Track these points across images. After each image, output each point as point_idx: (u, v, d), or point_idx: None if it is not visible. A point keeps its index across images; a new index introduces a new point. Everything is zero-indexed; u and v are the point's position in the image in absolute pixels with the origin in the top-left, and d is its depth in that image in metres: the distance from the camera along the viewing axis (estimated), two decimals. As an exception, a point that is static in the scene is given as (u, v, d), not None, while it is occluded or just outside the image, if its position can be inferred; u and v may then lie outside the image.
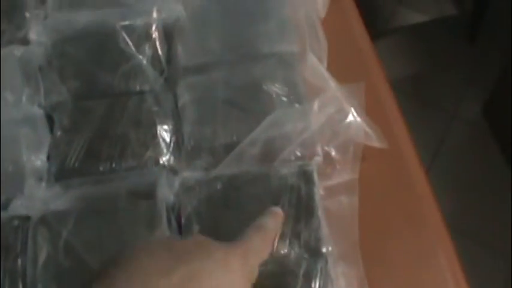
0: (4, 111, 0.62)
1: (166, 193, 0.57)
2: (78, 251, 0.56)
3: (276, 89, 0.60)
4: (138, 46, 0.63)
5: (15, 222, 0.58)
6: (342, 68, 0.65)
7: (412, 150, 0.63)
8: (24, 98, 0.62)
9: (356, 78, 0.63)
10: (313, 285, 0.53)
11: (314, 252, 0.55)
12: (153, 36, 0.63)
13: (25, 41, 0.66)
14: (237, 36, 0.63)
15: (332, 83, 0.59)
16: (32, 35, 0.66)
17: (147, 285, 0.36)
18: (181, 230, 0.56)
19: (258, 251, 0.43)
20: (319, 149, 0.59)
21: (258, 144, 0.58)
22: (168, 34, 0.64)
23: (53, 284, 0.55)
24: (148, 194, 0.58)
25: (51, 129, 0.61)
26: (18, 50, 0.64)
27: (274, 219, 0.46)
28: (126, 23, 0.64)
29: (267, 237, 0.44)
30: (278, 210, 0.47)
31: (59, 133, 0.60)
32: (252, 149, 0.58)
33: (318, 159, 0.59)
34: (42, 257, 0.56)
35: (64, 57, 0.64)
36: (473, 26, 1.76)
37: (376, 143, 0.60)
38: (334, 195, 0.58)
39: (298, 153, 0.59)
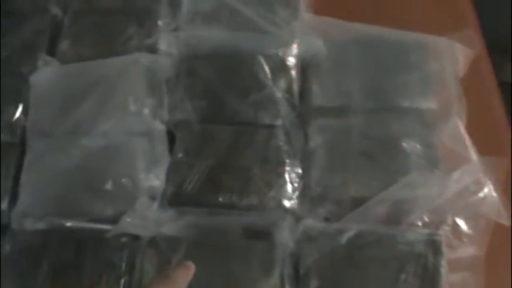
0: (124, 120, 0.60)
1: (286, 239, 0.55)
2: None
3: (413, 147, 0.59)
4: (273, 76, 0.62)
5: (123, 240, 0.57)
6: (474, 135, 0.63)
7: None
8: (146, 110, 0.60)
9: (488, 149, 0.61)
10: None
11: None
12: (290, 68, 0.61)
13: (153, 50, 0.65)
14: (376, 84, 0.62)
15: (473, 152, 0.57)
16: (162, 45, 0.64)
17: None
18: (298, 280, 0.53)
19: None
20: (448, 219, 0.57)
21: (387, 204, 0.57)
22: (304, 69, 0.62)
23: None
24: (266, 235, 0.56)
25: (171, 147, 0.59)
26: (146, 59, 0.62)
27: (184, 272, 0.44)
28: (264, 49, 0.63)
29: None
30: (191, 264, 0.44)
31: (180, 154, 0.59)
32: (380, 208, 0.57)
33: (446, 228, 0.57)
34: (145, 282, 0.54)
35: (193, 74, 0.63)
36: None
37: (505, 221, 0.58)
38: (458, 269, 0.56)
39: (426, 219, 0.58)
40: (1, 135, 0.64)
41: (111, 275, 0.56)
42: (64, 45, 0.68)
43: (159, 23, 0.66)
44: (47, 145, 0.61)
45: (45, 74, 0.65)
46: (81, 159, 0.60)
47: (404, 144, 0.59)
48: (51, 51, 0.68)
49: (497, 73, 0.69)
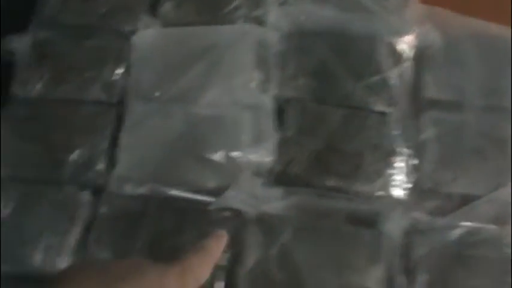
0: (231, 92, 0.59)
1: (394, 229, 0.54)
2: (291, 264, 0.53)
3: (526, 150, 0.57)
4: (388, 62, 0.60)
5: (226, 214, 0.56)
6: None
7: None
8: (253, 83, 0.59)
9: None
10: None
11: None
12: (405, 57, 0.61)
13: (260, 22, 0.64)
14: (490, 83, 0.61)
15: None
16: (270, 18, 0.63)
17: None
18: (406, 273, 0.53)
19: (196, 272, 0.41)
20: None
21: (496, 204, 0.56)
22: (418, 59, 0.61)
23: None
24: (371, 223, 0.56)
25: (278, 124, 0.58)
26: (255, 31, 0.61)
27: (217, 242, 0.45)
28: (379, 34, 0.61)
29: (206, 259, 0.43)
30: (223, 233, 0.45)
31: (291, 132, 0.57)
32: (489, 207, 0.56)
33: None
34: (250, 260, 0.54)
35: (305, 50, 0.62)
36: None
37: None
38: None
39: (533, 224, 0.57)
40: (100, 94, 0.62)
41: (213, 249, 0.55)
42: (166, 7, 0.66)
43: (269, -5, 0.65)
44: (149, 109, 0.60)
45: (149, 35, 0.64)
46: (186, 126, 0.59)
47: (517, 146, 0.59)
48: (152, 13, 0.66)
49: None
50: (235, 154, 0.57)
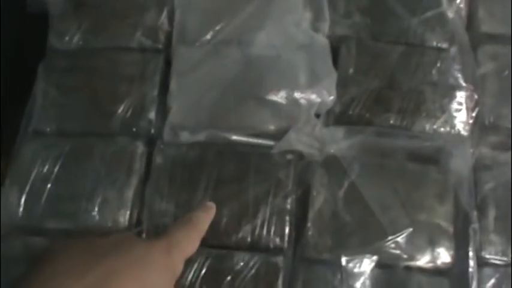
0: (283, 31, 0.58)
1: (459, 165, 0.54)
2: (360, 203, 0.53)
3: None
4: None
5: (289, 157, 0.55)
6: None
7: None
8: (305, 23, 0.58)
9: None
10: None
11: None
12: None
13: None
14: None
15: None
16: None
17: (72, 280, 0.37)
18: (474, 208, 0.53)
19: (182, 246, 0.42)
20: None
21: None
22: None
23: (327, 235, 0.52)
24: (435, 161, 0.55)
25: (335, 63, 0.57)
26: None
27: (205, 214, 0.46)
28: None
29: (193, 232, 0.44)
30: (211, 205, 0.45)
31: (350, 71, 0.56)
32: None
33: None
34: (317, 202, 0.53)
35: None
36: None
37: None
38: None
39: None
40: (144, 41, 0.60)
41: (278, 192, 0.54)
42: None
43: None
44: (199, 53, 0.59)
45: (191, -23, 0.62)
46: (242, 68, 0.58)
47: None
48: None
49: None
50: (295, 94, 0.56)
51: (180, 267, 0.42)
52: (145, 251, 0.40)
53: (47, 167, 0.57)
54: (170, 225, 0.44)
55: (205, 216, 0.46)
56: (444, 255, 0.53)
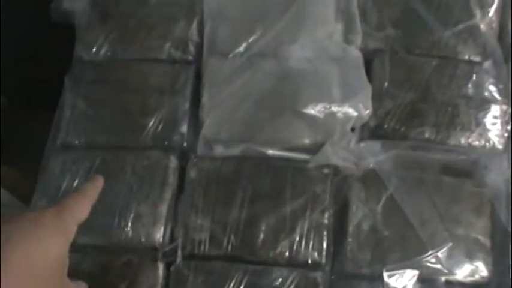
0: (316, 45, 0.58)
1: (495, 179, 0.55)
2: (399, 217, 0.54)
3: None
4: (475, 8, 0.60)
5: (325, 171, 0.55)
6: None
7: None
8: (336, 35, 0.58)
9: None
10: None
11: None
12: (493, 3, 0.60)
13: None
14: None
15: None
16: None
17: None
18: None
19: (73, 210, 0.45)
20: None
21: None
22: (502, 5, 0.61)
23: (366, 250, 0.53)
24: (470, 174, 0.56)
25: (368, 76, 0.58)
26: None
27: (93, 184, 0.48)
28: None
29: (83, 200, 0.46)
30: (99, 177, 0.48)
31: (385, 84, 0.57)
32: None
33: None
34: (356, 217, 0.54)
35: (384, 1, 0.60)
36: None
37: None
38: None
39: None
40: (173, 52, 0.60)
41: (315, 207, 0.55)
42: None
43: None
44: (232, 65, 0.59)
45: (220, -13, 0.62)
46: (276, 81, 0.58)
47: None
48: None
49: None
50: (332, 108, 0.56)
51: (72, 229, 0.44)
52: (35, 215, 0.42)
53: (77, 180, 0.57)
54: (65, 198, 0.46)
55: (94, 185, 0.48)
56: (482, 269, 0.54)
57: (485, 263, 0.54)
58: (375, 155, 0.56)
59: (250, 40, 0.59)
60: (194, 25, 0.61)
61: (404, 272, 0.52)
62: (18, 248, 0.40)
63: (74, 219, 0.44)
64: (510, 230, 0.54)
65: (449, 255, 0.53)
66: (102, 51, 0.62)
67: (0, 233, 0.40)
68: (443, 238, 0.53)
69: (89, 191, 0.47)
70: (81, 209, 0.45)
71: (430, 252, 0.53)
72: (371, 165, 0.56)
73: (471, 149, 0.57)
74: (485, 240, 0.54)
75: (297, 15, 0.59)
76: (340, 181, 0.56)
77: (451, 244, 0.53)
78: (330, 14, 0.61)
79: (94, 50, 0.62)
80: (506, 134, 0.58)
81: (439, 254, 0.53)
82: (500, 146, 0.57)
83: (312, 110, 0.56)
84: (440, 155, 0.57)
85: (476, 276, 0.54)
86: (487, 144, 0.57)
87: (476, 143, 0.57)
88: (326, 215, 0.54)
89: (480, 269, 0.54)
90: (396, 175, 0.55)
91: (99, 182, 0.48)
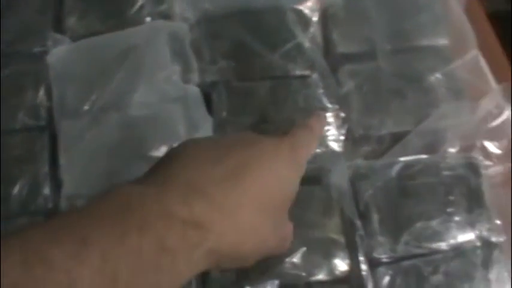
0: (156, 88, 0.64)
1: (339, 179, 0.62)
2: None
3: (438, 82, 0.67)
4: (298, 27, 0.67)
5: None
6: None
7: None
8: (175, 76, 0.65)
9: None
10: (490, 274, 0.60)
11: (488, 242, 0.61)
12: (312, 20, 0.67)
13: (167, 16, 0.69)
14: (393, 27, 0.69)
15: (492, 80, 0.67)
16: (176, 10, 0.68)
17: (203, 172, 0.40)
18: (359, 216, 0.61)
19: (305, 145, 0.47)
20: (477, 143, 0.66)
21: (425, 135, 0.64)
22: (324, 19, 0.69)
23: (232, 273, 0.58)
24: (319, 180, 0.63)
25: (209, 109, 0.64)
26: (166, 25, 0.67)
27: (319, 120, 0.52)
28: (283, 4, 0.68)
29: (313, 134, 0.49)
30: (322, 113, 0.53)
31: (223, 114, 0.63)
32: (419, 139, 0.64)
33: (477, 152, 0.66)
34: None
35: (217, 35, 0.67)
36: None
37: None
38: (493, 186, 0.65)
39: (458, 146, 0.66)
40: (27, 120, 0.66)
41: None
42: (71, 21, 0.69)
43: (169, -12, 0.70)
44: (81, 123, 0.64)
45: (62, 52, 0.67)
46: (123, 131, 0.63)
47: (430, 79, 0.67)
48: (58, 30, 0.70)
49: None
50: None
51: (304, 165, 0.46)
52: (273, 145, 0.43)
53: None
54: (292, 130, 0.47)
55: (320, 121, 0.50)
56: (341, 265, 0.60)
57: (342, 259, 0.60)
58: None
59: (93, 97, 0.64)
60: (42, 91, 0.66)
61: (266, 284, 0.58)
62: (257, 177, 0.41)
63: (306, 154, 0.46)
64: (356, 222, 0.60)
65: (306, 259, 0.59)
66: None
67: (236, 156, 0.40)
68: (297, 244, 0.59)
69: (316, 126, 0.49)
70: (311, 143, 0.47)
71: (286, 260, 0.58)
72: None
73: (314, 157, 0.64)
74: (339, 237, 0.60)
75: (134, 65, 0.65)
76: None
77: (305, 248, 0.59)
78: (166, 58, 0.67)
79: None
80: (342, 137, 0.65)
81: (295, 260, 0.58)
82: (338, 149, 0.64)
83: (158, 152, 0.62)
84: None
85: (336, 273, 0.59)
86: (327, 149, 0.64)
87: (318, 150, 0.64)
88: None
89: (338, 265, 0.59)
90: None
91: (324, 117, 0.51)
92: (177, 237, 0.37)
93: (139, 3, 0.69)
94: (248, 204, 0.40)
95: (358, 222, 0.60)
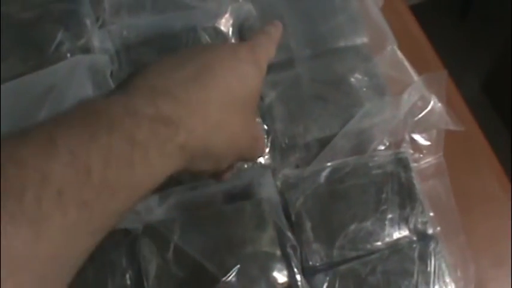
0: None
1: (269, 192, 0.63)
2: (189, 258, 0.61)
3: (359, 81, 0.68)
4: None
5: (116, 237, 0.62)
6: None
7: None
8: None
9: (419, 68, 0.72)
10: (429, 267, 0.61)
11: (423, 235, 0.63)
12: (227, 37, 0.69)
13: (87, 49, 0.70)
14: (310, 32, 0.70)
15: (413, 73, 0.68)
16: (95, 43, 0.69)
17: (167, 76, 0.42)
18: (292, 226, 0.62)
19: (264, 47, 0.49)
20: (406, 136, 0.67)
21: (351, 137, 0.66)
22: (240, 33, 0.70)
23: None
24: (249, 195, 0.64)
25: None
26: (85, 59, 0.68)
27: (276, 26, 0.54)
28: (199, 24, 0.69)
29: (271, 39, 0.51)
30: (278, 22, 0.54)
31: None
32: (345, 142, 0.66)
33: (406, 145, 0.67)
34: (152, 269, 0.61)
35: (136, 62, 0.68)
36: (463, 1, 1.90)
37: (453, 126, 0.69)
38: (426, 178, 0.67)
39: (387, 142, 0.67)
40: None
41: (116, 274, 0.62)
42: (-10, 67, 0.71)
43: (86, 22, 0.71)
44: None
45: (-15, 98, 0.69)
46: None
47: (351, 80, 0.69)
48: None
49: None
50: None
51: (264, 66, 0.48)
52: (232, 48, 0.46)
53: None
54: (254, 38, 0.50)
55: (276, 28, 0.52)
56: (279, 277, 0.61)
57: (280, 271, 0.61)
58: (157, 208, 0.64)
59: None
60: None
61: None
62: (219, 76, 0.43)
63: (266, 55, 0.48)
64: (286, 233, 0.62)
65: (243, 276, 0.60)
66: None
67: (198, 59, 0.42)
68: (231, 263, 0.61)
69: (273, 33, 0.51)
70: (270, 46, 0.49)
71: (221, 281, 0.60)
72: (151, 221, 0.63)
73: (243, 172, 0.65)
74: (274, 250, 0.61)
75: (56, 104, 0.65)
76: (131, 241, 0.63)
77: (239, 266, 0.61)
78: (88, 92, 0.67)
79: None
80: (268, 149, 0.66)
81: (230, 279, 0.60)
82: (266, 162, 0.65)
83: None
84: (217, 186, 0.65)
85: (276, 286, 0.61)
86: (254, 164, 0.65)
87: (245, 166, 0.65)
88: (127, 276, 0.62)
89: (277, 278, 0.61)
90: (178, 221, 0.63)
91: (280, 25, 0.52)
92: (147, 133, 0.38)
93: (57, 40, 0.70)
94: (214, 101, 0.42)
95: (289, 233, 0.61)
